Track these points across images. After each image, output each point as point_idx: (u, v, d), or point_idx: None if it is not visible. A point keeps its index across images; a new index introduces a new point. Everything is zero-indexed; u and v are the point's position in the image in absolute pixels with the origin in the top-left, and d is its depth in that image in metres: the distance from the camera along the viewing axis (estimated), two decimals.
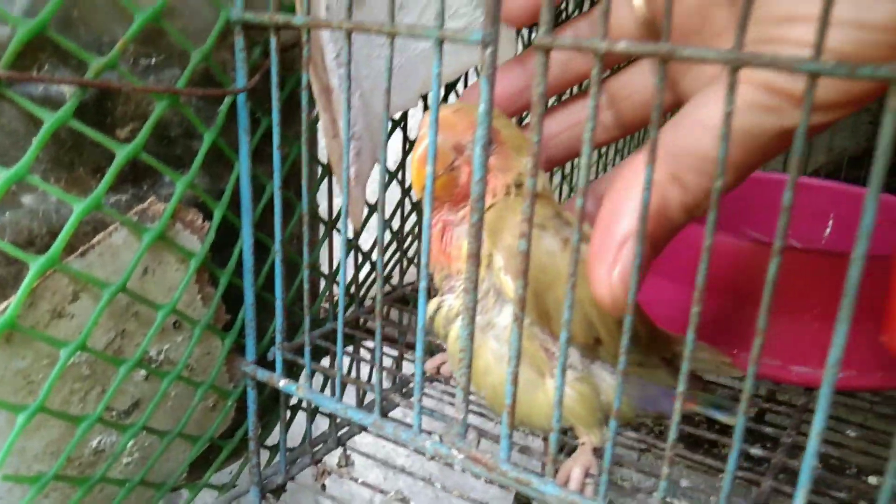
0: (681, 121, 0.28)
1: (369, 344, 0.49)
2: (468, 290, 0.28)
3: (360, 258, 0.50)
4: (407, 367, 0.54)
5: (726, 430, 0.42)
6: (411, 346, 0.50)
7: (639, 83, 0.38)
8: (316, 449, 0.48)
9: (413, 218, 0.54)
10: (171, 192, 0.34)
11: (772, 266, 0.22)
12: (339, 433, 0.48)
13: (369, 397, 0.56)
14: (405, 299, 0.56)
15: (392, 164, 0.50)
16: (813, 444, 0.23)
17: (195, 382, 0.38)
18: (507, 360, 0.31)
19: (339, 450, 0.49)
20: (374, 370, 0.34)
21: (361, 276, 0.51)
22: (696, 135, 0.27)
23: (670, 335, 0.38)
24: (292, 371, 0.46)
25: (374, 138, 0.42)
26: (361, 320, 0.50)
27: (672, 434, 0.26)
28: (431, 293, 0.37)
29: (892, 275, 0.23)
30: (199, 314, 0.37)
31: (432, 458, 0.33)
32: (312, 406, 0.48)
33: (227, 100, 0.36)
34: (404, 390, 0.51)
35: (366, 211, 0.51)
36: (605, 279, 0.26)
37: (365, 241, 0.50)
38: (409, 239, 0.55)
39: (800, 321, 0.42)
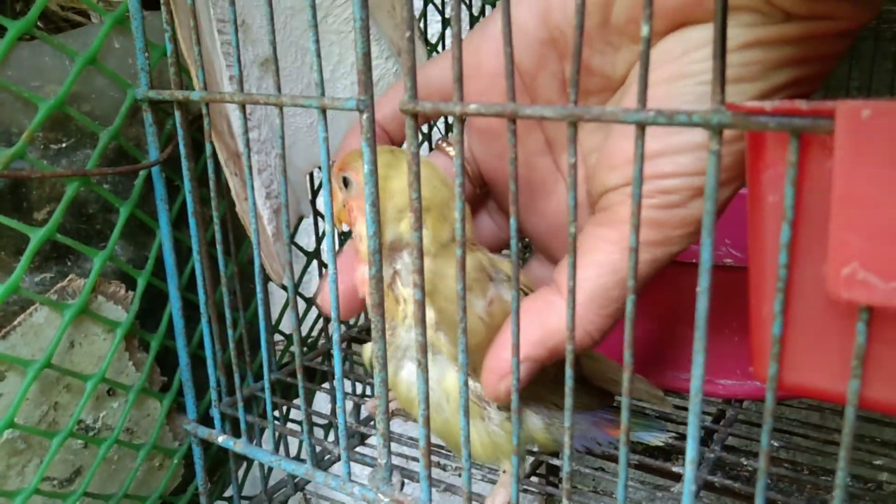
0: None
1: (327, 385, 0.51)
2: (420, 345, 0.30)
3: (305, 305, 0.51)
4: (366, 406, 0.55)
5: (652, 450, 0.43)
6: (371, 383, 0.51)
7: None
8: (275, 496, 0.49)
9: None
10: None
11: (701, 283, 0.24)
12: (296, 479, 0.49)
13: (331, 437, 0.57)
14: (360, 339, 0.57)
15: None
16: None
17: (135, 445, 0.39)
18: (446, 409, 0.34)
19: (299, 495, 0.50)
20: (304, 422, 0.35)
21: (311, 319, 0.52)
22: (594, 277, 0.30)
23: (605, 366, 0.40)
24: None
25: (297, 192, 0.43)
26: (321, 360, 0.51)
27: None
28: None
29: (749, 308, 0.24)
30: (132, 380, 0.38)
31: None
32: None
33: (143, 173, 0.37)
34: (363, 429, 0.53)
35: (304, 260, 0.52)
36: (495, 387, 0.31)
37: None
38: None
39: (721, 336, 0.43)
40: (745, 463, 0.41)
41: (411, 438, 0.42)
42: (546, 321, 0.30)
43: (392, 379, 0.36)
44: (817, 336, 0.22)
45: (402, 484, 0.34)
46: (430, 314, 0.34)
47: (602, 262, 0.30)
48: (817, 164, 0.21)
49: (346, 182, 0.34)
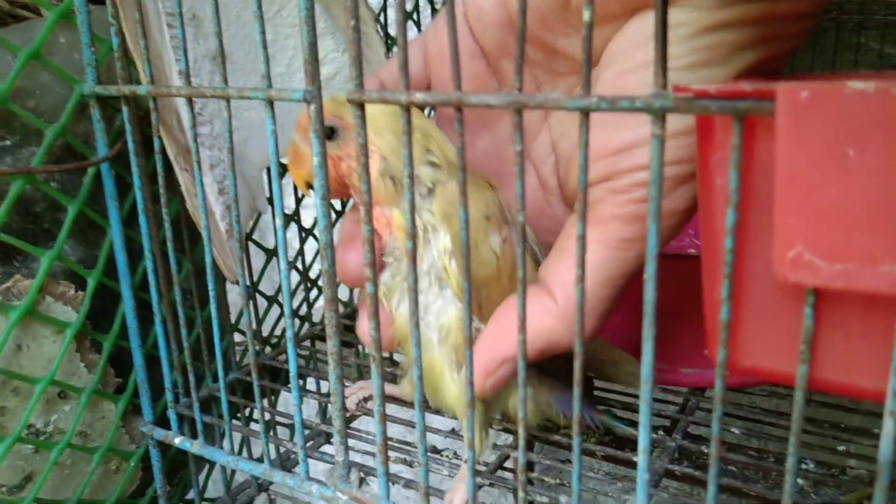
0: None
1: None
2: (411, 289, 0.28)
3: (266, 302, 0.50)
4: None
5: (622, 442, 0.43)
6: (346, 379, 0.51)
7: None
8: (238, 497, 0.48)
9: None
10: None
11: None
12: (259, 480, 0.49)
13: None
14: (324, 337, 0.57)
15: (288, 208, 0.51)
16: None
17: (90, 449, 0.38)
18: (436, 346, 0.33)
19: (263, 496, 0.50)
20: (260, 421, 0.35)
21: (274, 317, 0.51)
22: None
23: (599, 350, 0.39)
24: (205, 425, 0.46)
25: (253, 187, 0.43)
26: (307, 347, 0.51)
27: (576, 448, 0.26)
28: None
29: (703, 292, 0.24)
30: (84, 382, 0.37)
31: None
32: None
33: (91, 170, 0.36)
34: (327, 428, 0.52)
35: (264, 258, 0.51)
36: (481, 383, 0.31)
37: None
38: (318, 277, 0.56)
39: (685, 325, 0.43)
40: (706, 451, 0.41)
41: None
42: (534, 322, 0.29)
43: (394, 313, 0.34)
44: (768, 319, 0.22)
45: (361, 481, 0.33)
46: (446, 241, 0.33)
47: (588, 263, 0.29)
48: (763, 146, 0.21)
49: (332, 132, 0.32)
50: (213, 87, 0.30)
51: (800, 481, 0.42)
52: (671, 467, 0.37)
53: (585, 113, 0.22)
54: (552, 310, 0.30)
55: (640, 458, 0.24)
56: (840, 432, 0.42)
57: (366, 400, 0.43)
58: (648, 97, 0.21)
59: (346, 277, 0.34)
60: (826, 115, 0.18)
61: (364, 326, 0.34)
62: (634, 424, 0.45)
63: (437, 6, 0.62)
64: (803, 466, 0.41)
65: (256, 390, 0.34)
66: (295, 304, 0.54)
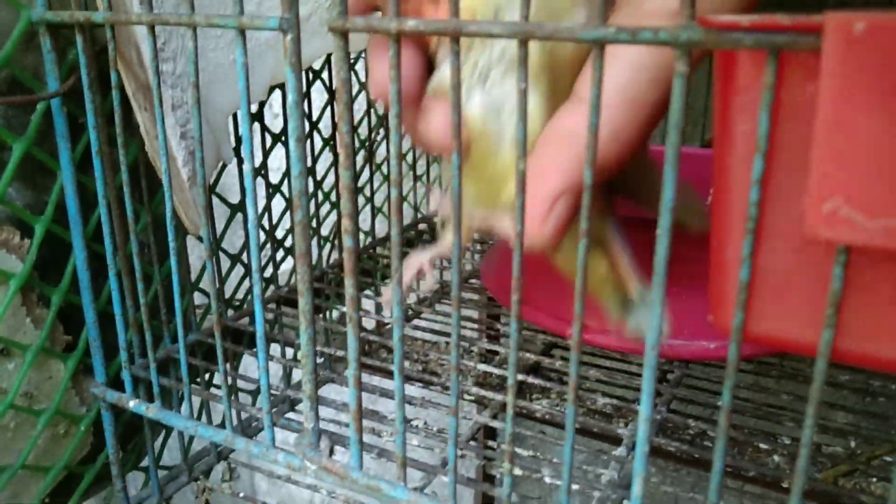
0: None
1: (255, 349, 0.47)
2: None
3: (230, 261, 0.47)
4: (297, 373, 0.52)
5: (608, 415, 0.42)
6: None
7: None
8: (196, 465, 0.45)
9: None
10: None
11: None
12: (219, 447, 0.46)
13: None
14: (292, 301, 0.54)
15: (256, 160, 0.48)
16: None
17: (35, 411, 0.35)
18: (510, 147, 0.28)
19: (223, 464, 0.47)
20: (222, 386, 0.32)
21: (236, 278, 0.48)
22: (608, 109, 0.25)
23: None
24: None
25: (218, 135, 0.40)
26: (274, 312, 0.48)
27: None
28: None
29: (710, 250, 0.22)
30: (30, 338, 0.34)
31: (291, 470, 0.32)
32: None
33: (41, 106, 0.33)
34: (292, 394, 0.50)
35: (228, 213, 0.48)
36: (538, 230, 0.27)
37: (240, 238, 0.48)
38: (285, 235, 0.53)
39: (668, 295, 0.41)
40: (691, 424, 0.39)
41: (344, 404, 0.40)
42: (579, 137, 0.25)
43: (464, 109, 0.28)
44: (787, 282, 0.20)
45: (332, 450, 0.31)
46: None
47: (631, 56, 0.26)
48: (797, 88, 0.19)
49: None
50: (178, 15, 0.27)
51: (776, 458, 0.41)
52: (658, 440, 0.35)
53: (601, 45, 0.20)
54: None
55: (641, 427, 0.22)
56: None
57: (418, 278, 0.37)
58: (675, 28, 0.19)
59: (430, 137, 0.29)
60: (883, 51, 0.16)
61: (438, 119, 0.28)
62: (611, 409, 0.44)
63: None
64: (780, 442, 0.40)
65: (220, 351, 0.31)
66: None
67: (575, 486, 0.30)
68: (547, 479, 0.34)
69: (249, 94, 0.27)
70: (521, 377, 0.42)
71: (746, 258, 0.20)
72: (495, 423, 0.37)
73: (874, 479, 0.36)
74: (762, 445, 0.40)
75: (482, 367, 0.44)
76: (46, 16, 0.31)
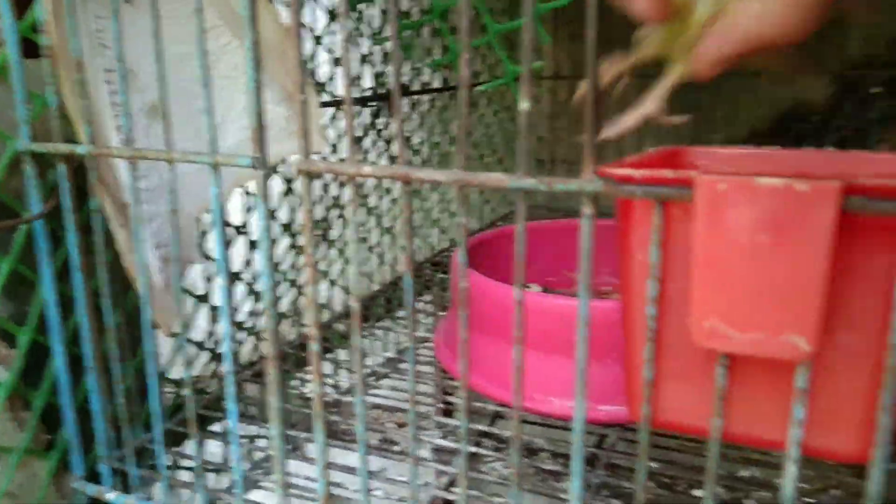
0: None
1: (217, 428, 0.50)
2: None
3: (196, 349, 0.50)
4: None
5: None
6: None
7: None
8: None
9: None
10: None
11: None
12: None
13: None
14: (255, 381, 0.57)
15: None
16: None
17: None
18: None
19: None
20: (196, 473, 0.35)
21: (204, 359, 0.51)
22: None
23: None
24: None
25: (185, 238, 0.43)
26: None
27: None
28: None
29: (624, 356, 0.27)
30: (15, 440, 0.36)
31: None
32: None
33: (24, 226, 0.36)
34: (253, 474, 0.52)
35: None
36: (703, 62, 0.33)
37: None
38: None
39: (601, 364, 0.46)
40: (627, 486, 0.43)
41: (308, 478, 0.43)
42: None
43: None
44: (684, 379, 0.25)
45: None
46: None
47: None
48: (680, 227, 0.23)
49: None
50: (157, 150, 0.31)
51: None
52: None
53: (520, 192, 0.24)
54: None
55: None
56: (735, 482, 0.45)
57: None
58: (582, 182, 0.23)
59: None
60: (740, 204, 0.21)
61: None
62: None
63: (338, 55, 0.63)
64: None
65: (196, 446, 0.34)
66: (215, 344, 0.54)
67: None
68: None
69: (223, 218, 0.31)
70: (473, 448, 0.45)
71: (649, 361, 0.24)
72: (451, 496, 0.40)
73: None
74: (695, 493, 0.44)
75: (438, 439, 0.47)
76: (32, 147, 0.34)
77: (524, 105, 0.23)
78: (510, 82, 0.57)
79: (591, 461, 0.45)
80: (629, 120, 0.37)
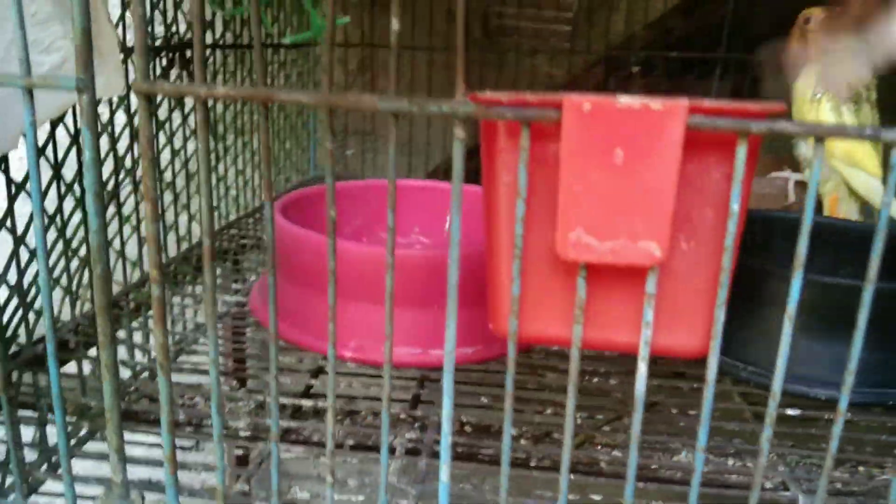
0: None
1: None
2: None
3: None
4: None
5: None
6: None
7: None
8: None
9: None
10: None
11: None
12: None
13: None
14: (39, 360, 0.51)
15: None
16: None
17: None
18: None
19: None
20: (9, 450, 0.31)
21: None
22: None
23: None
24: None
25: None
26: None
27: None
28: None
29: (487, 274, 0.28)
30: None
31: None
32: None
33: None
34: (53, 459, 0.47)
35: None
36: None
37: None
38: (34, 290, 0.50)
39: (416, 310, 0.47)
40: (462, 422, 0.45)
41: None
42: None
43: None
44: (545, 293, 0.26)
45: (143, 497, 0.32)
46: None
47: None
48: (545, 148, 0.25)
49: None
50: None
51: (523, 441, 0.49)
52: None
53: (395, 115, 0.24)
54: None
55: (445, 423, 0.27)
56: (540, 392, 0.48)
57: None
58: (454, 104, 0.24)
59: None
60: (602, 123, 0.23)
61: None
62: None
63: None
64: (524, 430, 0.48)
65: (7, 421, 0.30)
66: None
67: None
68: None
69: (37, 152, 0.27)
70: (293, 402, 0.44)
71: (516, 277, 0.25)
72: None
73: (600, 446, 0.45)
74: (512, 432, 0.47)
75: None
76: None
77: (395, 25, 0.23)
78: (318, 34, 0.56)
79: (414, 402, 0.47)
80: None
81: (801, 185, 0.71)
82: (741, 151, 0.23)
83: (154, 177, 0.26)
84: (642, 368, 0.25)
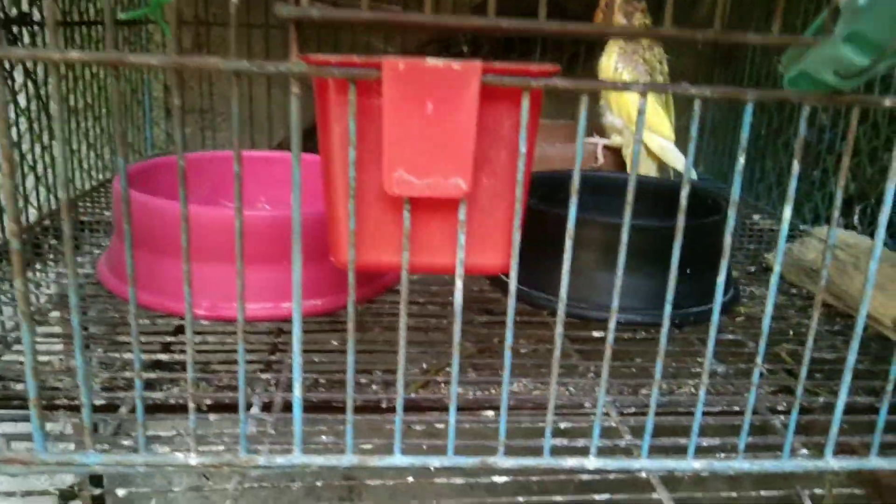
0: None
1: None
2: None
3: None
4: None
5: None
6: None
7: None
8: None
9: None
10: None
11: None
12: None
13: None
14: None
15: None
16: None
17: None
18: None
19: None
20: None
21: None
22: None
23: None
24: None
25: None
26: None
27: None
28: None
29: (326, 212, 0.32)
30: None
31: None
32: None
33: None
34: None
35: None
36: None
37: None
38: None
39: (266, 267, 0.50)
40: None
41: None
42: None
43: None
44: (376, 225, 0.31)
45: (9, 443, 0.33)
46: None
47: None
48: (370, 101, 0.29)
49: None
50: None
51: (374, 387, 0.53)
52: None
53: (237, 75, 0.28)
54: None
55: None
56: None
57: None
58: (290, 64, 0.28)
59: None
60: (414, 80, 0.27)
61: None
62: None
63: None
64: (376, 375, 0.52)
65: None
66: None
67: None
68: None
69: None
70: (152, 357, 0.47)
71: (352, 214, 0.30)
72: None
73: (441, 385, 0.50)
74: (362, 380, 0.52)
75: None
76: None
77: None
78: (153, 11, 0.57)
79: (272, 351, 0.50)
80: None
81: (609, 150, 0.80)
82: (525, 103, 0.29)
83: (8, 137, 0.28)
84: (459, 284, 0.30)
